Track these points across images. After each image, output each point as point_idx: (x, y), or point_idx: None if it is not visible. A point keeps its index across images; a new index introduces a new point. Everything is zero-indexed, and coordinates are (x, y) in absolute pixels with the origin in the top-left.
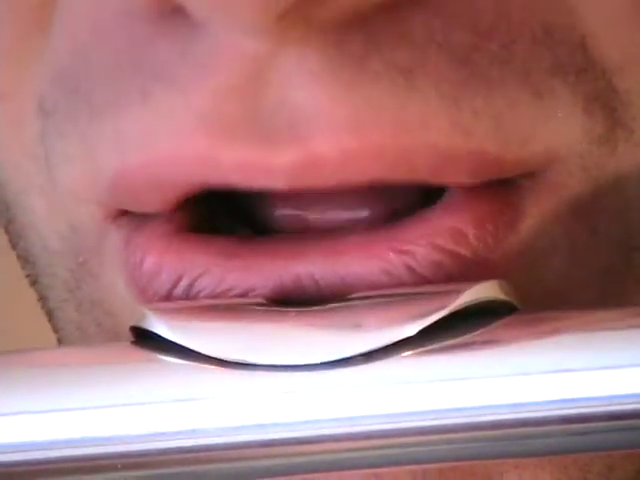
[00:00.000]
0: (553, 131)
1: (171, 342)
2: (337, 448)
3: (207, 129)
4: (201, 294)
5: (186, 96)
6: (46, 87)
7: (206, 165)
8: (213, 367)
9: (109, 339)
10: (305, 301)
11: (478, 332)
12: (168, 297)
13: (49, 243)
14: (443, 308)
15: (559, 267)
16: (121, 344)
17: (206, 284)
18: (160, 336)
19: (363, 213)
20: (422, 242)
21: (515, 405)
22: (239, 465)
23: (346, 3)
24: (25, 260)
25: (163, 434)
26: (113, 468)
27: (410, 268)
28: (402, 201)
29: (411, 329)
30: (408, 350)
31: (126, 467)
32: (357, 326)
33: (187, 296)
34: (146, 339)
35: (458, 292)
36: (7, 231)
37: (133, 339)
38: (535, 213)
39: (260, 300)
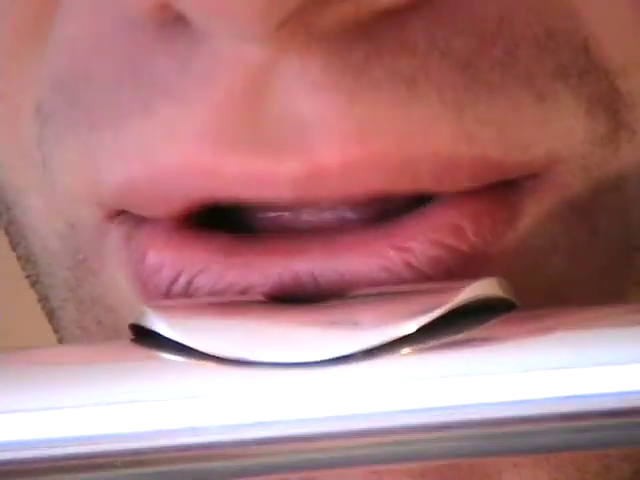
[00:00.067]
0: (556, 134)
1: (171, 340)
2: (336, 445)
3: (211, 141)
4: (200, 291)
5: (188, 108)
6: (44, 92)
7: (211, 178)
8: (213, 365)
9: (110, 337)
10: (304, 298)
11: (477, 329)
12: (168, 293)
13: (48, 242)
14: (442, 305)
15: (558, 266)
16: (120, 342)
17: (205, 281)
18: (159, 334)
19: (362, 211)
20: (421, 238)
21: (514, 402)
22: (239, 462)
23: (347, 11)
24: (26, 260)
25: (162, 432)
26: (112, 466)
27: (409, 264)
28: (400, 198)
29: (410, 326)
30: (407, 347)
31: (125, 465)
32: (356, 323)
33: (186, 293)
34: (145, 337)
35: (457, 289)
36: (7, 232)
37: (132, 337)
38: (535, 212)
39: (260, 297)
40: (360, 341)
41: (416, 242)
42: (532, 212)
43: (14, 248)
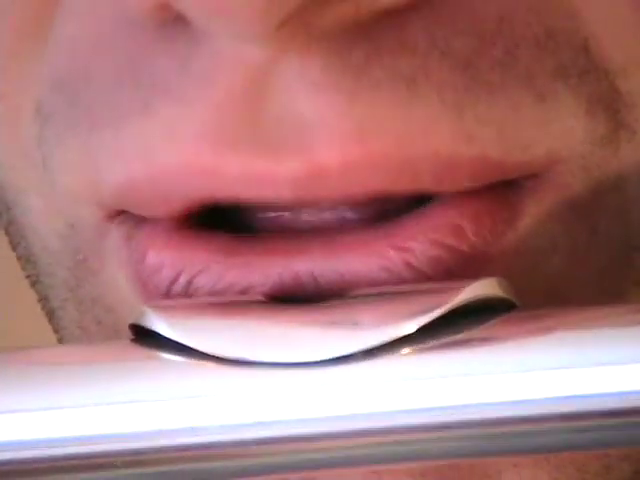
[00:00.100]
0: (555, 134)
1: (170, 340)
2: (336, 445)
3: (210, 141)
4: (200, 291)
5: (188, 108)
6: (44, 92)
7: (211, 178)
8: (212, 365)
9: (110, 337)
10: (304, 298)
11: (477, 329)
12: (168, 293)
13: (48, 242)
14: (442, 305)
15: (558, 266)
16: (120, 342)
17: (205, 281)
18: (159, 334)
19: (362, 211)
20: (421, 238)
21: (514, 402)
22: (239, 462)
23: (346, 11)
24: (26, 261)
25: (162, 432)
26: (112, 466)
27: (409, 264)
28: (400, 198)
29: (410, 326)
30: (407, 347)
31: (125, 465)
32: (356, 323)
33: (186, 293)
34: (145, 337)
35: (457, 289)
36: (7, 232)
37: (132, 337)
38: (535, 212)
39: (260, 297)
40: (360, 341)
41: (416, 242)
42: (532, 212)
43: (14, 248)
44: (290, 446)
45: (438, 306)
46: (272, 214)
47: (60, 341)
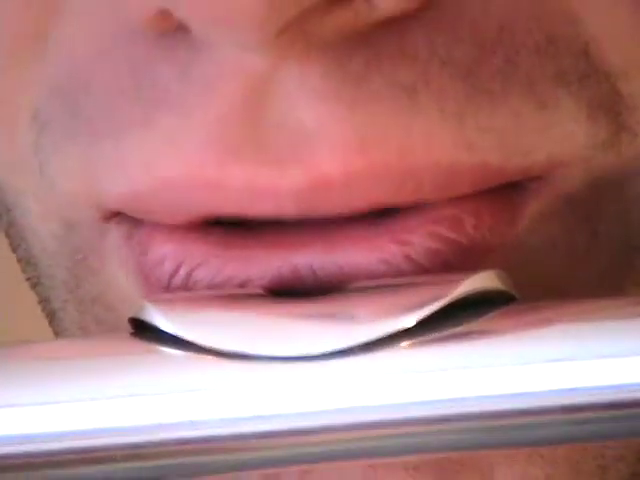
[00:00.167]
0: (557, 139)
1: (169, 333)
2: (336, 438)
3: (213, 152)
4: (199, 284)
5: (189, 118)
6: (42, 100)
7: (214, 191)
8: (212, 358)
9: None
10: (304, 292)
11: (476, 322)
12: (168, 286)
13: (47, 244)
14: (441, 298)
15: (558, 265)
16: (119, 335)
17: (204, 274)
18: (159, 327)
19: None
20: (420, 231)
21: (514, 395)
22: (238, 456)
23: (345, 19)
24: (27, 263)
25: (162, 425)
26: (111, 459)
27: (408, 257)
28: None
29: (410, 319)
30: (407, 340)
31: (124, 458)
32: (355, 317)
33: (186, 286)
34: (144, 330)
35: (456, 282)
36: (7, 234)
37: (132, 330)
38: (535, 212)
39: (259, 291)
40: (359, 334)
41: (415, 235)
42: (533, 212)
43: (14, 250)
44: (289, 439)
45: (437, 299)
46: None
47: None
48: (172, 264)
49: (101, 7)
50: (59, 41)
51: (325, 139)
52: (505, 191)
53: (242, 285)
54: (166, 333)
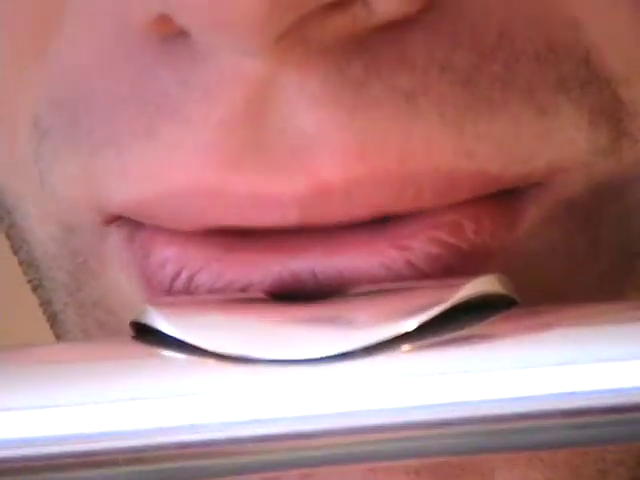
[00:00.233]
0: (557, 146)
1: (171, 337)
2: (337, 442)
3: (215, 161)
4: (201, 288)
5: (190, 127)
6: (42, 108)
7: (218, 201)
8: (213, 362)
9: None
10: (304, 296)
11: (477, 326)
12: (170, 290)
13: (47, 247)
14: (442, 302)
15: (558, 271)
16: (121, 339)
17: (206, 278)
18: (160, 331)
19: None
20: (420, 236)
21: (514, 399)
22: (239, 460)
23: (344, 25)
24: (28, 265)
25: (163, 429)
26: (113, 463)
27: (409, 262)
28: None
29: (411, 323)
30: (407, 344)
31: (126, 462)
32: (356, 321)
33: (187, 290)
34: (146, 334)
35: (457, 286)
36: (8, 237)
37: (133, 334)
38: (536, 218)
39: (260, 295)
40: (360, 338)
41: (416, 240)
42: (533, 218)
43: (16, 252)
44: (290, 443)
45: (438, 303)
46: None
47: None
48: (174, 267)
49: (102, 12)
50: (60, 48)
51: (325, 145)
52: (505, 196)
53: (243, 289)
54: (168, 337)
